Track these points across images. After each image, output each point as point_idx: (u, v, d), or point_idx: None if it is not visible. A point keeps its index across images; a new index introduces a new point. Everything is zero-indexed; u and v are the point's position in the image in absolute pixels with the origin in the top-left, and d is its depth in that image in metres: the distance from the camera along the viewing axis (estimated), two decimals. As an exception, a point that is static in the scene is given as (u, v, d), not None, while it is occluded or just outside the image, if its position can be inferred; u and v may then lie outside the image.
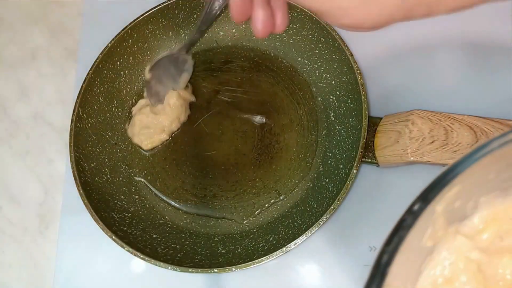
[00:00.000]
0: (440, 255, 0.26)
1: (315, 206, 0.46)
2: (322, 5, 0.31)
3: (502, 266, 0.26)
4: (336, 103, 0.50)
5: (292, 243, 0.42)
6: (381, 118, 0.46)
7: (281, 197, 0.48)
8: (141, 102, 0.53)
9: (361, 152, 0.43)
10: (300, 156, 0.50)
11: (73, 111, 0.49)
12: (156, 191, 0.50)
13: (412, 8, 0.30)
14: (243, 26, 0.55)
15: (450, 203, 0.24)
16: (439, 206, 0.23)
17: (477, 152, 0.22)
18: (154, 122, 0.50)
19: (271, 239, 0.45)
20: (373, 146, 0.45)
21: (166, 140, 0.51)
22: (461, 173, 0.22)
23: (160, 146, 0.52)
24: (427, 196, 0.22)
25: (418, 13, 0.30)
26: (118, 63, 0.52)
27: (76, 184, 0.45)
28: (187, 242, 0.47)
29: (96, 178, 0.48)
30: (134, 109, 0.52)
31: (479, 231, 0.27)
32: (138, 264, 0.48)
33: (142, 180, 0.50)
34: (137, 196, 0.50)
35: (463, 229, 0.26)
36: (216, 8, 0.43)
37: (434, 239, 0.25)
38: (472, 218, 0.27)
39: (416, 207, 0.22)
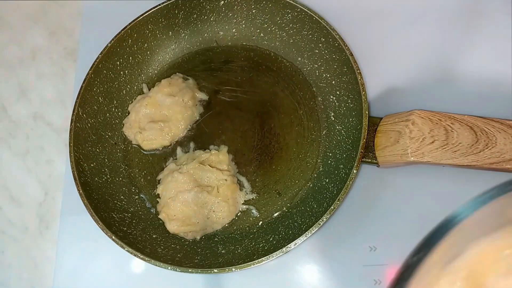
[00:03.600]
0: None
1: (315, 206, 0.46)
2: None
3: None
4: (336, 103, 0.50)
5: (292, 243, 0.42)
6: (381, 118, 0.46)
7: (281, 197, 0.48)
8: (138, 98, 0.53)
9: (361, 152, 0.43)
10: (300, 156, 0.49)
11: (73, 111, 0.49)
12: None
13: None
14: (243, 26, 0.55)
15: (446, 251, 0.24)
16: (436, 255, 0.23)
17: (478, 198, 0.23)
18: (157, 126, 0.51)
19: (271, 239, 0.45)
20: (373, 146, 0.45)
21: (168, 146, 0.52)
22: (458, 223, 0.22)
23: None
24: (425, 247, 0.22)
25: None
26: (118, 63, 0.52)
27: (76, 184, 0.45)
28: (187, 242, 0.47)
29: (96, 178, 0.48)
30: (130, 106, 0.53)
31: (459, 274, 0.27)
32: (138, 264, 0.48)
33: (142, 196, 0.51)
34: (137, 196, 0.50)
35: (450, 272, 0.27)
36: None
37: (431, 285, 0.26)
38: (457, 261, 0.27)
39: (415, 258, 0.22)
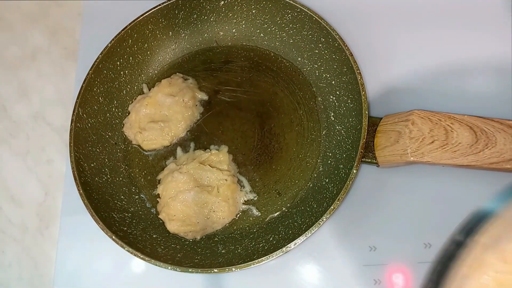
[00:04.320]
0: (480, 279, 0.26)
1: (315, 206, 0.46)
2: None
3: None
4: (336, 103, 0.50)
5: (292, 243, 0.42)
6: (381, 118, 0.46)
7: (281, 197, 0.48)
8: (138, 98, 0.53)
9: (361, 152, 0.43)
10: (300, 156, 0.50)
11: (73, 111, 0.49)
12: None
13: None
14: (243, 26, 0.55)
15: (492, 234, 0.24)
16: (483, 238, 0.23)
17: None
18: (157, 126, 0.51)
19: (271, 239, 0.45)
20: (373, 146, 0.45)
21: (168, 146, 0.52)
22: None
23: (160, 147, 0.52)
24: (472, 229, 0.22)
25: None
26: (118, 63, 0.52)
27: (76, 184, 0.45)
28: (187, 242, 0.47)
29: (96, 178, 0.48)
30: (130, 107, 0.53)
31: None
32: (138, 264, 0.48)
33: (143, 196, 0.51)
34: (137, 196, 0.50)
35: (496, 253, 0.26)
36: None
37: (470, 267, 0.26)
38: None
39: (461, 238, 0.22)
